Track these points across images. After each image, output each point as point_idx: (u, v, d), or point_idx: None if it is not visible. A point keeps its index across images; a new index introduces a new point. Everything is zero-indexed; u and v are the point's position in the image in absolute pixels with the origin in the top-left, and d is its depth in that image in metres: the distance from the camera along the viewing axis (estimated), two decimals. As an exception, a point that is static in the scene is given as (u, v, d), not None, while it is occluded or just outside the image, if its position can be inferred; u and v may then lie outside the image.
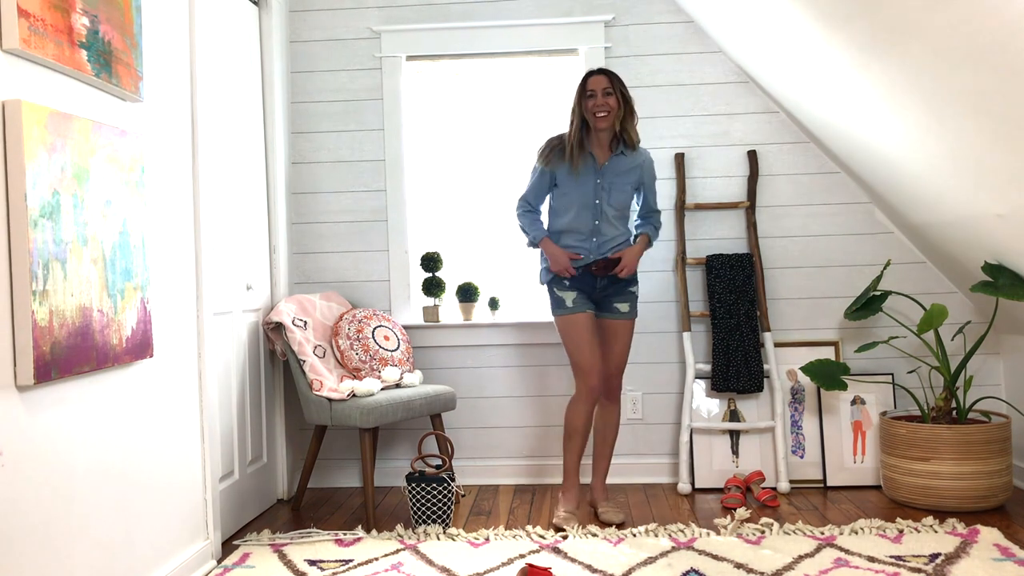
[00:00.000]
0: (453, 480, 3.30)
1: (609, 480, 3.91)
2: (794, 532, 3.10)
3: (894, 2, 2.37)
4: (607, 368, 3.36)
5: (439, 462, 3.51)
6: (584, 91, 3.24)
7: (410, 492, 3.30)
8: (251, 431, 3.50)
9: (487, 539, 3.13)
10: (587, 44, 3.95)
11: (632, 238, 3.38)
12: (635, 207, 3.45)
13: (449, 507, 3.29)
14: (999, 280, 3.23)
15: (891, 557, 2.81)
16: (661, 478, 3.92)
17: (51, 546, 2.07)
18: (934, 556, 2.80)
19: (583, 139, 3.25)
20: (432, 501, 3.28)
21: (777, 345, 3.88)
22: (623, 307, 3.34)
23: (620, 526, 3.24)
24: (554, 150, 3.31)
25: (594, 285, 3.31)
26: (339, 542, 3.13)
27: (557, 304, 3.31)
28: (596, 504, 3.42)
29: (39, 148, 1.99)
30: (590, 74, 3.27)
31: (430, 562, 2.90)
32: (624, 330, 3.37)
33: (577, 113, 3.26)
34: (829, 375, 3.59)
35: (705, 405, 3.86)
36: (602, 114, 3.20)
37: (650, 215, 3.43)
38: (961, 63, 2.35)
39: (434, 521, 3.28)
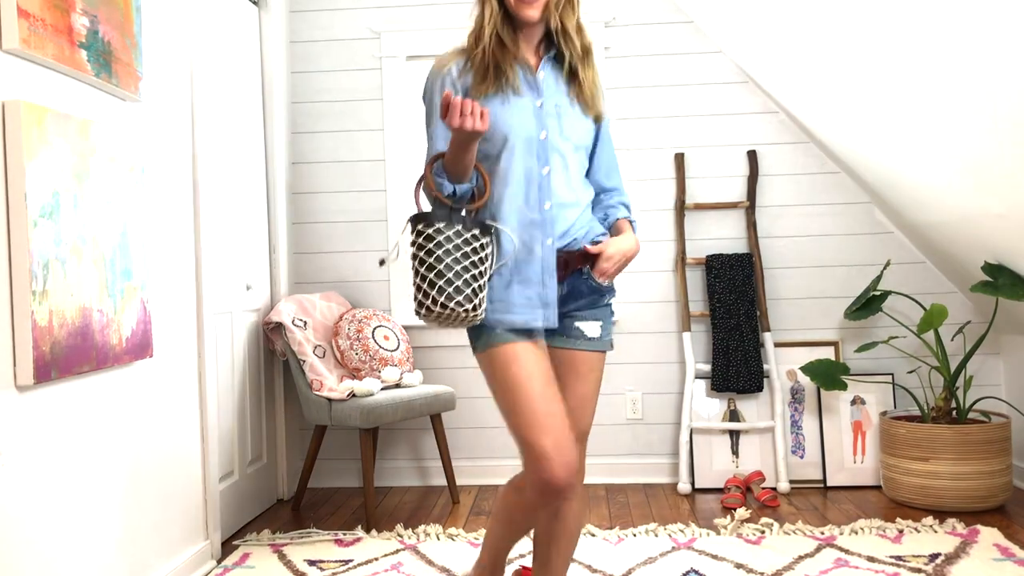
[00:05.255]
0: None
1: (609, 480, 3.92)
2: (794, 532, 3.10)
3: (893, 2, 2.37)
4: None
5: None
6: None
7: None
8: (251, 431, 3.50)
9: (487, 539, 3.13)
10: (587, 44, 3.93)
11: (606, 223, 2.07)
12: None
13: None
14: (999, 280, 3.23)
15: (891, 557, 2.81)
16: (661, 478, 3.92)
17: (51, 546, 2.07)
18: (934, 556, 2.80)
19: (503, 39, 1.93)
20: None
21: (777, 345, 3.88)
22: (593, 330, 2.02)
23: None
24: (447, 70, 1.95)
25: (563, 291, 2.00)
26: (339, 542, 3.13)
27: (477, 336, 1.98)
28: None
29: (39, 148, 1.99)
30: None
31: (430, 562, 2.90)
32: (593, 368, 2.03)
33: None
34: (829, 375, 3.59)
35: (705, 405, 3.86)
36: None
37: (616, 193, 2.10)
38: (960, 63, 2.35)
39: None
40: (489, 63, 1.92)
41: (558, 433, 1.84)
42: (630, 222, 2.07)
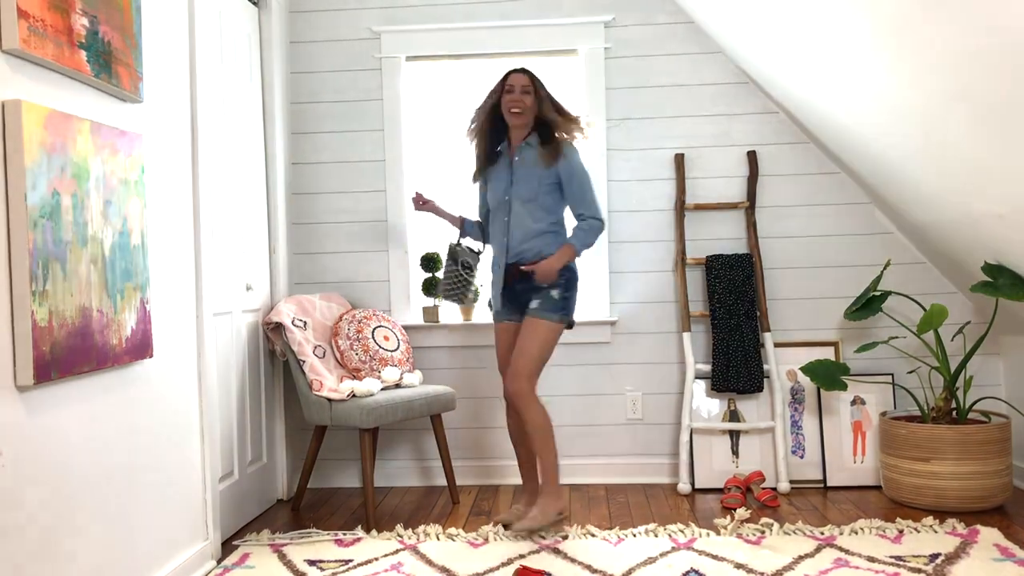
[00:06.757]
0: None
1: (609, 480, 3.94)
2: (794, 532, 3.10)
3: (894, 1, 2.37)
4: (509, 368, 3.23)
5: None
6: (503, 87, 3.24)
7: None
8: (251, 431, 3.50)
9: (487, 539, 3.13)
10: (587, 44, 3.95)
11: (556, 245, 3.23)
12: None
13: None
14: (999, 280, 3.23)
15: (891, 557, 2.81)
16: (661, 478, 3.92)
17: (51, 546, 2.07)
18: (934, 556, 2.80)
19: (488, 132, 3.30)
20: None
21: (777, 345, 3.88)
22: (533, 304, 3.18)
23: (507, 526, 3.18)
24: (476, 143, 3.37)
25: (513, 289, 3.26)
26: (339, 542, 3.13)
27: (490, 306, 3.44)
28: None
29: (39, 148, 1.99)
30: (511, 72, 3.26)
31: (430, 562, 2.90)
32: (527, 328, 3.18)
33: (486, 108, 3.29)
34: (829, 375, 3.59)
35: (705, 405, 3.86)
36: (516, 110, 3.19)
37: (581, 219, 3.23)
38: (962, 63, 2.35)
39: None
40: (479, 153, 3.37)
41: (503, 369, 3.32)
42: (573, 248, 3.19)
